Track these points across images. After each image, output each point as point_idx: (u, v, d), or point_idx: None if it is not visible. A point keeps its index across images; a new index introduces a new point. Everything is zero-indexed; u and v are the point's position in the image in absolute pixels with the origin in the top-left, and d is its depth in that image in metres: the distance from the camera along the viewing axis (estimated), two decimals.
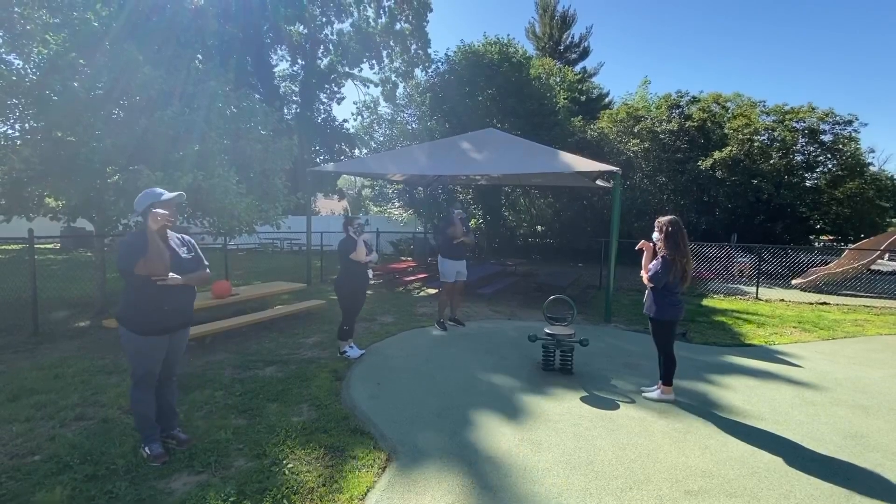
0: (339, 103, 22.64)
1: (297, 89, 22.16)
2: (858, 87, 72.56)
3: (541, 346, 4.94)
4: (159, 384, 3.03)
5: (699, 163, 15.96)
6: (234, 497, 2.59)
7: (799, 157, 16.35)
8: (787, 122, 16.04)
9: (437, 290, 9.02)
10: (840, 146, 15.78)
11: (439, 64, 17.84)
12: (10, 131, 6.19)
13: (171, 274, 2.82)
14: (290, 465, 2.92)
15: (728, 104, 17.49)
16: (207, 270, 3.16)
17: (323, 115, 22.00)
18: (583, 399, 4.17)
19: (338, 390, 4.21)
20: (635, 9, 66.53)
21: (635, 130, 17.06)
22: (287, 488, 2.69)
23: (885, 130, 61.61)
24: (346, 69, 21.79)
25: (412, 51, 19.36)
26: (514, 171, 8.74)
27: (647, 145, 16.76)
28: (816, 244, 17.36)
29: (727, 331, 6.99)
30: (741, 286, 11.69)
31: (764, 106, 16.96)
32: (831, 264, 12.36)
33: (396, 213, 21.72)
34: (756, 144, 15.91)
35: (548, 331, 4.85)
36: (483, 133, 10.04)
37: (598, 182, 10.71)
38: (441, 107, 16.54)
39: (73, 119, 5.82)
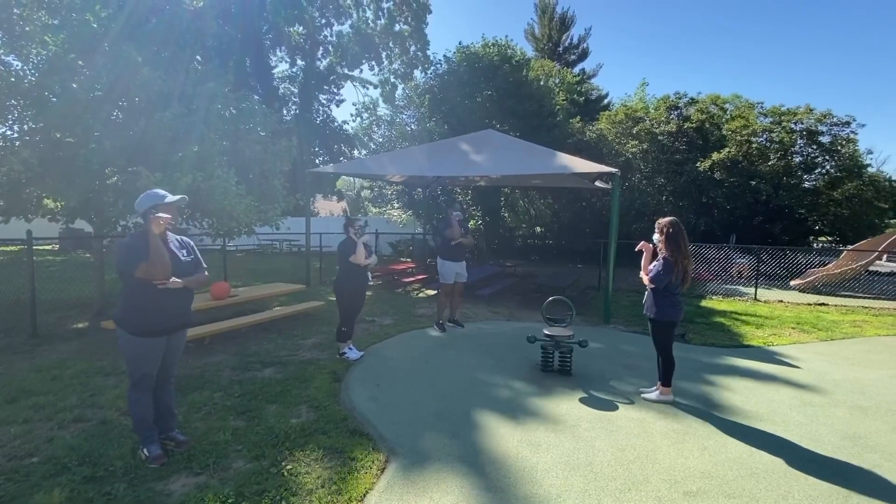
0: (338, 105, 22.85)
1: (296, 90, 22.17)
2: (856, 89, 72.77)
3: (540, 347, 4.94)
4: (157, 386, 3.03)
5: (698, 164, 15.98)
6: (232, 499, 2.59)
7: (797, 159, 16.38)
8: (784, 124, 16.08)
9: (436, 292, 9.02)
10: (838, 147, 15.81)
11: (438, 65, 17.85)
12: (8, 132, 6.18)
13: (172, 278, 2.83)
14: (288, 467, 2.92)
15: (726, 105, 17.52)
16: (206, 272, 3.17)
17: (322, 117, 22.01)
18: (581, 400, 4.17)
19: (337, 392, 4.21)
20: (634, 10, 66.72)
21: (634, 132, 17.08)
22: (286, 490, 2.69)
23: (883, 132, 61.78)
24: (346, 70, 21.81)
25: (411, 52, 19.38)
26: (514, 172, 8.74)
27: (645, 146, 16.78)
28: (815, 245, 17.38)
29: (726, 332, 7.00)
30: (740, 287, 11.70)
31: (762, 107, 17.01)
32: (830, 265, 12.38)
33: (395, 214, 21.71)
34: (754, 146, 15.94)
35: (547, 332, 4.85)
36: (482, 134, 10.04)
37: (597, 183, 10.73)
38: (440, 108, 16.55)
39: (72, 120, 5.81)
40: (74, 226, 7.79)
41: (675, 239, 3.95)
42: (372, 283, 5.33)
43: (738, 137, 15.90)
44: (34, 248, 5.95)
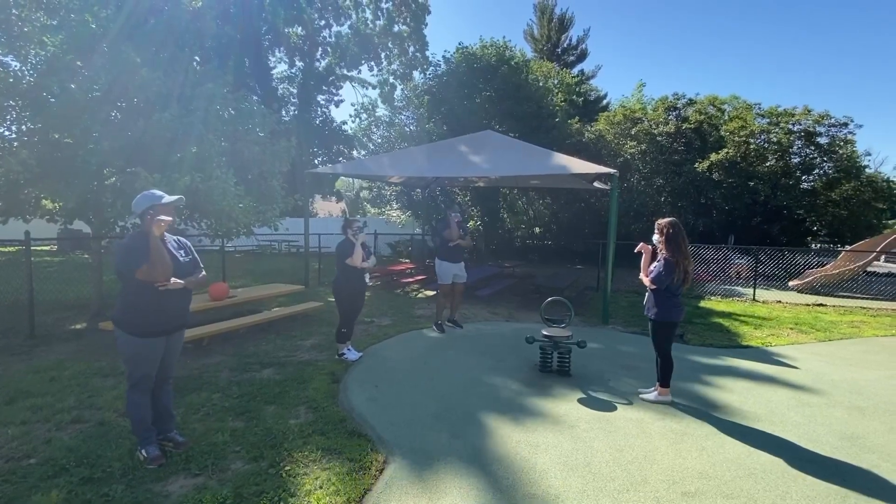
0: (337, 105, 22.76)
1: (295, 91, 22.14)
2: (854, 90, 72.93)
3: (538, 347, 4.95)
4: (155, 387, 3.02)
5: (696, 165, 16.01)
6: (231, 500, 2.58)
7: (795, 160, 16.41)
8: (782, 125, 16.11)
9: (434, 293, 9.02)
10: (836, 148, 15.85)
11: (437, 66, 17.86)
12: (7, 133, 6.18)
13: (172, 279, 2.82)
14: (287, 468, 2.92)
15: (724, 106, 17.56)
16: (203, 273, 3.17)
17: (321, 117, 21.99)
18: (580, 401, 4.17)
19: (335, 392, 4.21)
20: (633, 12, 66.83)
21: (632, 133, 17.11)
22: (284, 491, 2.69)
23: (881, 133, 61.93)
24: (345, 71, 21.80)
25: (410, 53, 19.37)
26: (512, 173, 8.74)
27: (644, 147, 16.81)
28: (813, 246, 17.41)
29: (724, 332, 7.01)
30: (738, 288, 11.72)
31: (759, 108, 17.04)
32: (828, 266, 12.41)
33: (394, 214, 21.71)
34: (752, 147, 15.97)
35: (545, 333, 4.85)
36: (481, 135, 10.05)
37: (596, 184, 10.73)
38: (439, 109, 16.55)
39: (71, 121, 5.81)
40: (73, 227, 7.78)
41: (675, 239, 3.95)
42: (371, 284, 5.32)
43: (737, 138, 15.93)
44: (32, 248, 5.94)
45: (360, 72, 22.06)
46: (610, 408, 4.03)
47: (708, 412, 3.99)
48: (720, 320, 7.86)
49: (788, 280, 12.01)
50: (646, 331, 4.37)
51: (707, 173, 15.92)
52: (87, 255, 13.38)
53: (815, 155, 16.26)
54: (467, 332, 6.61)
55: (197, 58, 11.73)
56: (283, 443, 3.23)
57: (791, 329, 7.29)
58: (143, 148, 6.08)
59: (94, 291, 7.08)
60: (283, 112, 21.15)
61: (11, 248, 13.38)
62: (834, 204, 15.75)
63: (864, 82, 73.27)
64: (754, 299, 10.15)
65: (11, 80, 5.68)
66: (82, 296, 7.87)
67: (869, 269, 12.36)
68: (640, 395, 4.25)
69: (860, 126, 16.54)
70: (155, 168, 5.94)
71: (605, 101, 26.84)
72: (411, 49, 19.30)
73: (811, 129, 15.88)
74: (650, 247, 4.21)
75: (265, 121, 7.87)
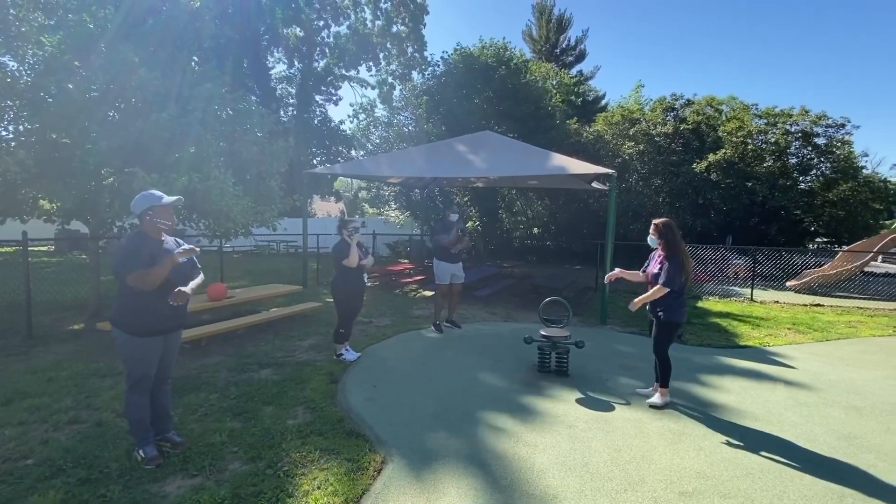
0: (336, 104, 22.66)
1: (293, 91, 22.12)
2: (851, 91, 73.16)
3: (536, 348, 4.95)
4: (154, 387, 3.02)
5: (694, 165, 16.05)
6: (228, 500, 2.58)
7: (793, 160, 16.46)
8: (780, 125, 16.16)
9: (433, 293, 9.02)
10: (833, 149, 15.90)
11: (436, 66, 17.87)
12: (4, 133, 6.16)
13: (183, 289, 2.85)
14: (285, 468, 2.92)
15: (722, 107, 17.61)
16: (201, 275, 3.18)
17: (320, 117, 21.97)
18: (578, 401, 4.17)
19: (333, 393, 4.20)
20: (631, 13, 66.93)
21: (630, 133, 17.14)
22: (282, 491, 2.68)
23: (878, 133, 62.13)
24: (343, 71, 21.79)
25: (409, 53, 19.38)
26: (511, 173, 8.75)
27: (642, 148, 16.84)
28: (810, 246, 17.46)
29: (722, 332, 7.02)
30: (736, 288, 11.74)
31: (757, 109, 17.09)
32: (825, 266, 12.44)
33: (393, 215, 21.70)
34: (750, 147, 16.01)
35: (543, 333, 4.86)
36: (479, 135, 10.06)
37: (594, 184, 10.74)
38: (438, 109, 16.56)
39: (68, 121, 5.80)
40: (70, 227, 7.77)
41: (675, 237, 3.96)
42: (369, 285, 5.31)
43: (734, 139, 15.97)
44: (30, 249, 5.93)
45: (358, 72, 22.06)
46: (608, 408, 4.03)
47: (706, 412, 4.00)
48: (718, 320, 7.87)
49: (786, 280, 12.04)
50: (644, 331, 4.36)
51: (705, 174, 15.95)
52: (84, 256, 13.36)
53: (813, 155, 16.32)
54: (466, 332, 6.62)
55: (195, 58, 11.72)
56: (280, 443, 3.23)
57: (789, 329, 7.31)
58: (141, 148, 6.08)
59: (92, 292, 7.07)
60: (282, 112, 21.13)
61: (9, 249, 13.35)
62: (831, 204, 15.81)
63: (861, 83, 73.53)
64: (752, 299, 10.17)
65: (9, 80, 5.67)
66: (80, 296, 7.86)
67: (866, 269, 12.39)
68: (647, 401, 4.10)
69: (857, 127, 16.66)
70: (153, 168, 5.94)
71: (603, 102, 26.90)
72: (410, 49, 19.31)
73: (808, 130, 15.93)
74: (619, 271, 4.39)
75: (263, 121, 7.87)
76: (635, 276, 4.32)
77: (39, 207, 6.63)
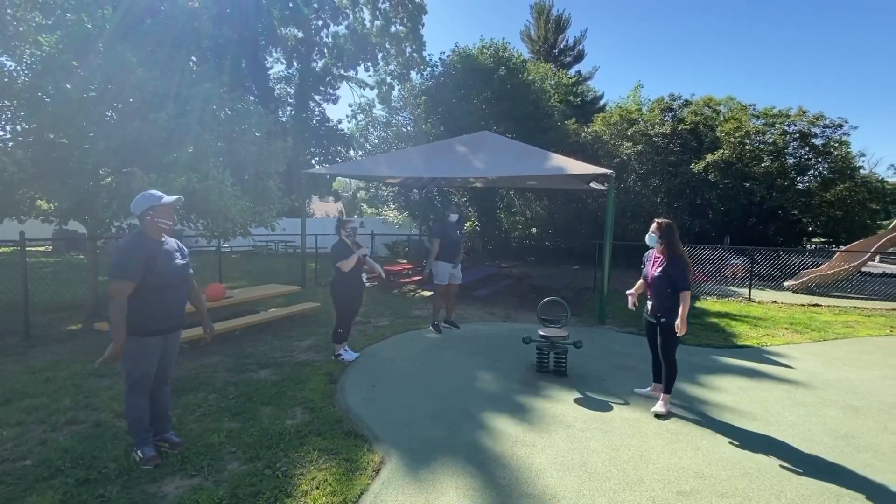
0: (335, 103, 22.61)
1: (292, 91, 22.12)
2: (849, 91, 73.39)
3: (535, 347, 4.96)
4: (154, 388, 3.01)
5: (692, 165, 16.08)
6: (227, 501, 2.58)
7: (790, 161, 16.51)
8: (778, 126, 16.20)
9: (431, 293, 9.03)
10: (831, 149, 15.96)
11: (434, 67, 17.88)
12: (1, 133, 6.15)
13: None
14: (283, 469, 2.92)
15: (720, 107, 17.66)
16: (191, 272, 3.16)
17: (318, 117, 21.97)
18: (576, 401, 4.18)
19: (332, 393, 4.20)
20: (629, 13, 67.02)
21: (629, 133, 17.17)
22: (280, 492, 2.68)
23: (876, 133, 62.33)
24: (342, 71, 21.82)
25: (407, 53, 19.40)
26: (509, 173, 8.76)
27: (640, 148, 16.87)
28: (808, 246, 17.51)
29: (720, 332, 7.04)
30: (734, 288, 11.77)
31: (755, 109, 17.14)
32: (823, 266, 12.48)
33: (391, 215, 21.70)
34: (748, 147, 16.05)
35: (542, 333, 4.86)
36: (478, 136, 10.06)
37: (593, 185, 10.76)
38: (436, 109, 16.56)
39: (66, 121, 5.78)
40: (68, 227, 7.75)
41: (677, 239, 3.93)
42: (368, 285, 5.30)
43: (732, 139, 16.01)
44: (27, 249, 5.92)
45: (356, 72, 22.09)
46: (606, 408, 4.04)
47: (703, 412, 4.01)
48: (716, 320, 7.89)
49: (784, 280, 12.08)
50: (643, 332, 4.33)
51: (703, 174, 15.99)
52: (82, 256, 13.33)
53: (811, 156, 16.38)
54: (464, 332, 6.62)
55: (193, 58, 11.71)
56: (279, 443, 3.23)
57: (786, 329, 7.33)
58: (139, 148, 6.07)
59: (90, 292, 7.05)
60: (280, 112, 21.13)
61: (6, 249, 13.31)
62: (829, 204, 15.86)
63: (859, 83, 73.78)
64: (750, 299, 10.19)
65: (6, 79, 5.66)
66: (77, 296, 7.84)
67: (863, 269, 12.43)
68: (652, 410, 3.95)
69: (855, 127, 16.69)
70: (151, 168, 5.93)
71: (602, 102, 26.94)
72: (408, 50, 19.34)
73: (806, 131, 15.99)
74: (635, 293, 4.28)
75: (261, 121, 7.86)
76: (640, 288, 4.26)
77: (37, 207, 6.61)
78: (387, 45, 19.95)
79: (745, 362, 5.50)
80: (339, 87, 22.49)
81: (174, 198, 2.93)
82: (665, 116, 17.52)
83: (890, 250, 12.64)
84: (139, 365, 2.85)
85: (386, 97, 20.66)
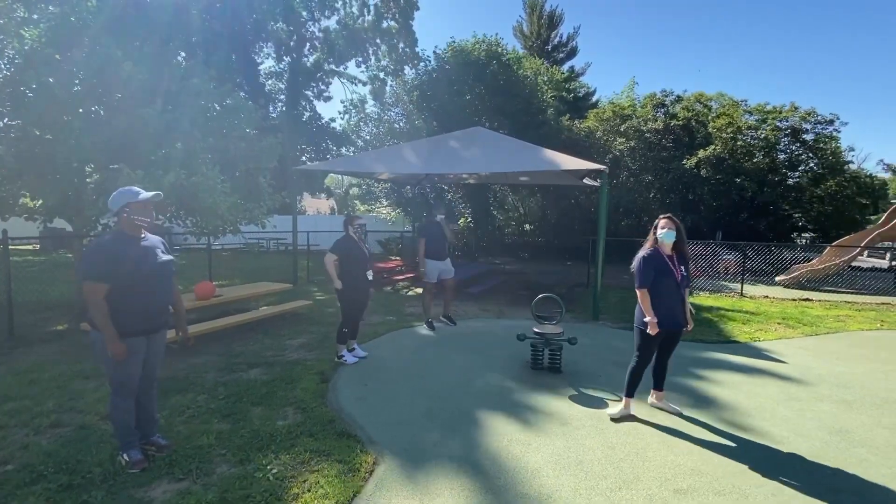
0: (326, 101, 22.37)
1: (283, 87, 21.87)
2: (838, 87, 74.11)
3: (529, 344, 4.92)
4: (140, 391, 2.92)
5: (684, 161, 16.11)
6: None
7: (782, 156, 16.60)
8: (769, 122, 16.28)
9: (422, 291, 8.97)
10: (821, 145, 16.06)
11: (427, 62, 17.75)
12: None
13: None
14: (274, 471, 2.85)
15: (711, 103, 17.69)
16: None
17: (309, 113, 21.76)
18: (572, 398, 4.15)
19: (324, 392, 4.14)
20: (621, 9, 67.08)
21: (622, 129, 17.16)
22: (271, 495, 2.62)
23: (865, 130, 63.04)
24: (333, 66, 21.59)
25: (400, 49, 19.24)
26: (502, 169, 8.70)
27: (633, 144, 16.87)
28: (799, 241, 17.65)
29: (713, 327, 7.05)
30: (726, 283, 11.83)
31: (746, 105, 17.20)
32: (814, 261, 12.57)
33: (384, 212, 21.59)
34: (739, 143, 16.12)
35: (536, 329, 4.83)
36: (471, 131, 9.99)
37: (586, 180, 10.74)
38: (429, 105, 16.44)
39: (51, 117, 5.65)
40: (54, 225, 7.61)
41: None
42: (371, 279, 5.18)
43: (724, 135, 16.06)
44: (15, 247, 5.78)
45: (347, 68, 21.87)
46: (601, 404, 4.01)
47: (698, 408, 4.00)
48: (708, 315, 7.91)
49: (775, 275, 12.15)
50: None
51: (695, 170, 16.03)
52: (70, 254, 13.11)
53: (801, 151, 16.47)
54: (458, 329, 6.57)
55: (182, 53, 11.52)
56: (270, 445, 3.16)
57: (779, 324, 7.36)
58: (127, 144, 5.95)
59: (77, 291, 6.92)
60: (271, 108, 20.90)
61: None
62: (819, 200, 15.98)
63: (847, 81, 74.51)
64: (742, 294, 10.24)
65: None
66: (64, 296, 7.70)
67: (853, 263, 12.54)
68: (650, 402, 3.94)
69: (846, 123, 16.85)
70: (138, 165, 5.82)
71: (594, 98, 26.91)
72: (401, 45, 19.17)
73: (797, 126, 16.06)
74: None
75: (252, 116, 7.75)
76: (647, 303, 3.64)
77: (21, 205, 6.47)
78: (378, 41, 19.78)
79: (738, 357, 5.50)
80: (330, 83, 22.27)
81: (151, 194, 2.83)
82: (657, 112, 17.53)
83: (879, 245, 12.76)
84: (123, 367, 2.76)
85: (379, 93, 20.49)
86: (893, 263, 16.41)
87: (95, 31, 6.07)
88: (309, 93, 21.75)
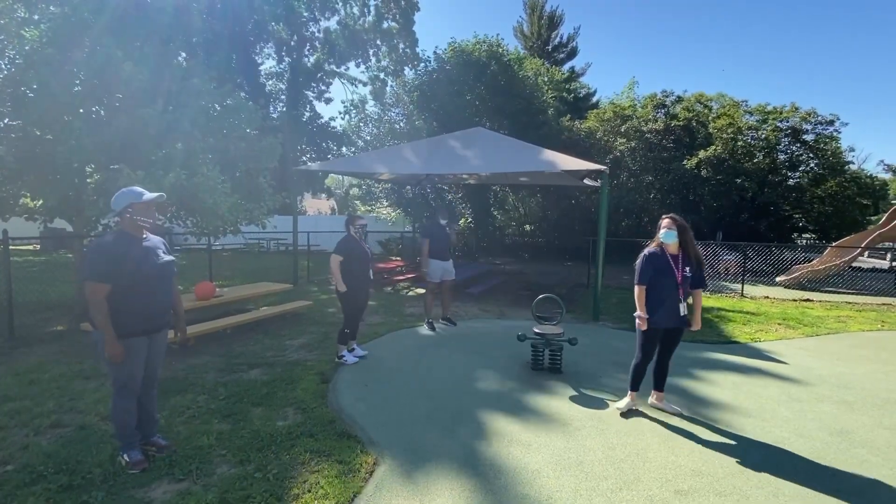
0: (326, 102, 22.41)
1: (283, 87, 21.88)
2: (839, 88, 74.06)
3: (530, 345, 4.92)
4: (141, 392, 2.92)
5: (684, 162, 16.11)
6: None
7: (782, 157, 16.59)
8: (770, 122, 16.27)
9: (424, 291, 8.97)
10: (822, 146, 16.05)
11: (427, 62, 17.75)
12: None
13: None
14: (274, 472, 2.85)
15: (711, 104, 17.68)
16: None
17: (310, 114, 21.77)
18: (572, 398, 4.15)
19: (324, 393, 4.14)
20: (621, 10, 67.10)
21: (622, 130, 17.16)
22: (271, 495, 2.62)
23: (866, 130, 63.00)
24: (334, 67, 21.61)
25: (400, 50, 19.25)
26: (503, 169, 8.70)
27: (633, 144, 16.87)
28: (799, 242, 17.64)
29: (713, 328, 7.04)
30: (727, 283, 11.82)
31: (747, 105, 17.19)
32: (814, 262, 12.56)
33: (385, 212, 21.60)
34: (740, 144, 16.11)
35: (537, 330, 4.82)
36: (471, 132, 9.99)
37: (586, 181, 10.74)
38: (429, 105, 16.44)
39: (51, 117, 5.65)
40: (57, 225, 7.61)
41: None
42: (372, 279, 5.16)
43: (724, 136, 16.06)
44: (15, 247, 5.78)
45: (348, 68, 21.89)
46: (602, 405, 4.01)
47: (699, 408, 3.99)
48: (709, 316, 7.90)
49: (776, 276, 12.14)
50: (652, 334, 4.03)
51: (695, 170, 16.03)
52: (70, 255, 13.12)
53: (802, 152, 16.46)
54: (458, 329, 6.57)
55: (183, 53, 11.52)
56: (270, 445, 3.16)
57: (779, 324, 7.35)
58: (127, 144, 5.94)
59: (77, 291, 6.92)
60: (272, 108, 20.91)
61: None
62: (820, 200, 15.97)
63: (848, 81, 74.47)
64: (742, 295, 10.23)
65: None
66: (65, 296, 7.70)
67: (854, 264, 12.53)
68: (651, 403, 3.95)
69: (846, 124, 16.82)
70: (139, 165, 5.81)
71: (594, 98, 26.92)
72: (401, 46, 19.19)
73: (798, 127, 16.06)
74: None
75: (252, 117, 7.74)
76: (642, 300, 3.71)
77: (21, 205, 6.46)
78: (378, 42, 19.79)
79: (739, 358, 5.50)
80: (331, 84, 22.28)
81: (155, 195, 2.84)
82: (658, 113, 17.53)
83: (879, 245, 12.75)
84: (125, 367, 2.76)
85: (379, 93, 20.50)
86: (894, 264, 16.41)
87: (96, 32, 6.07)
88: (309, 93, 21.77)
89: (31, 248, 17.80)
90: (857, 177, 16.40)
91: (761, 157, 16.18)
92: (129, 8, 7.33)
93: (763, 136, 16.26)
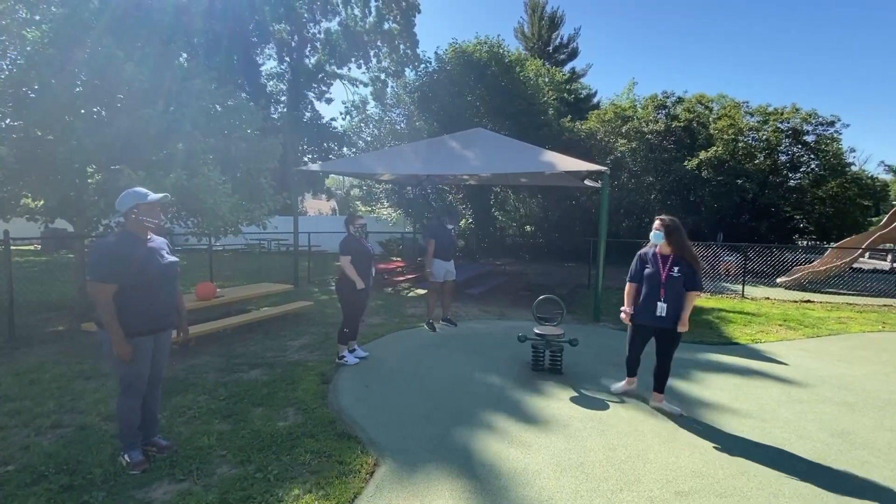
0: (327, 103, 22.43)
1: (284, 88, 21.91)
2: (840, 89, 74.04)
3: (530, 346, 4.91)
4: (146, 391, 2.92)
5: (685, 163, 16.10)
6: None
7: (783, 158, 16.58)
8: (771, 123, 16.26)
9: (426, 291, 8.97)
10: (823, 147, 16.04)
11: (428, 63, 17.77)
12: None
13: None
14: (275, 472, 2.85)
15: (712, 104, 17.68)
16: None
17: (311, 114, 21.80)
18: (572, 399, 4.14)
19: (325, 393, 4.14)
20: (622, 11, 67.14)
21: (623, 130, 17.16)
22: (272, 496, 2.62)
23: (867, 131, 62.98)
24: (335, 68, 21.63)
25: (401, 50, 19.26)
26: (503, 170, 8.70)
27: (634, 145, 16.87)
28: (800, 243, 17.62)
29: (714, 329, 7.04)
30: (727, 284, 11.81)
31: (748, 106, 17.18)
32: (815, 263, 12.55)
33: (385, 212, 21.61)
34: (741, 145, 16.10)
35: (537, 331, 4.82)
36: (472, 132, 10.00)
37: (587, 182, 10.74)
38: (430, 106, 16.45)
39: (53, 117, 5.66)
40: (58, 226, 7.61)
41: (685, 237, 3.78)
42: (374, 276, 5.16)
43: (725, 137, 16.05)
44: (16, 248, 5.78)
45: (349, 69, 21.91)
46: (602, 406, 4.01)
47: (699, 409, 3.99)
48: (709, 317, 7.90)
49: (777, 277, 12.13)
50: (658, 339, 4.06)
51: (696, 171, 16.02)
52: (71, 255, 13.13)
53: (802, 153, 16.45)
54: (459, 330, 6.57)
55: (184, 54, 11.54)
56: (270, 446, 3.16)
57: (780, 325, 7.35)
58: (128, 145, 5.95)
59: (78, 292, 6.92)
60: (273, 109, 20.93)
61: None
62: (820, 201, 15.96)
63: (848, 82, 74.45)
64: (743, 296, 10.23)
65: None
66: (65, 296, 7.71)
67: (855, 265, 12.52)
68: (651, 404, 3.97)
69: (847, 125, 16.80)
70: (140, 165, 5.82)
71: (595, 99, 26.94)
72: (402, 47, 19.20)
73: (799, 128, 16.05)
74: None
75: (253, 117, 7.74)
76: (632, 294, 3.99)
77: (22, 206, 6.47)
78: (379, 43, 19.80)
79: (739, 359, 5.49)
80: (332, 84, 22.31)
81: (160, 195, 2.85)
82: (658, 114, 17.52)
83: (880, 247, 12.74)
84: (132, 366, 2.76)
85: (380, 94, 20.51)
86: (895, 265, 16.39)
87: (97, 32, 6.08)
88: (310, 94, 21.80)
89: (32, 248, 17.83)
90: (857, 178, 16.39)
91: (762, 159, 16.17)
92: (129, 8, 7.35)
93: (764, 137, 16.25)
